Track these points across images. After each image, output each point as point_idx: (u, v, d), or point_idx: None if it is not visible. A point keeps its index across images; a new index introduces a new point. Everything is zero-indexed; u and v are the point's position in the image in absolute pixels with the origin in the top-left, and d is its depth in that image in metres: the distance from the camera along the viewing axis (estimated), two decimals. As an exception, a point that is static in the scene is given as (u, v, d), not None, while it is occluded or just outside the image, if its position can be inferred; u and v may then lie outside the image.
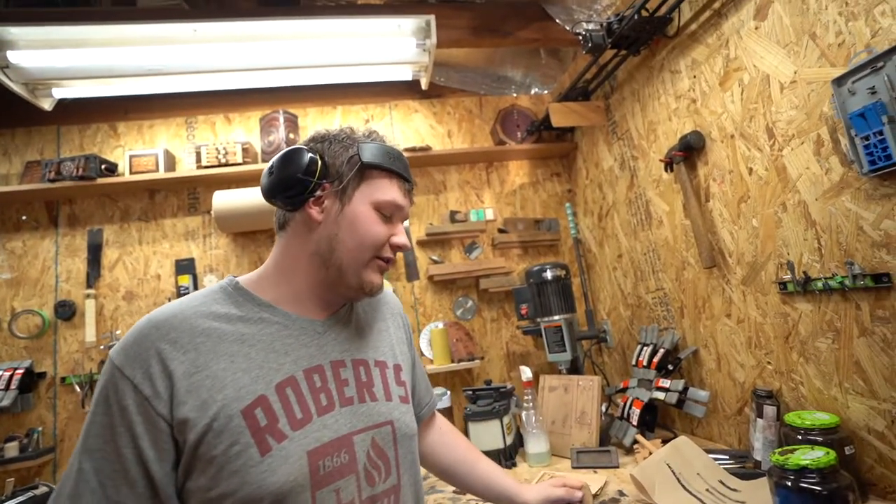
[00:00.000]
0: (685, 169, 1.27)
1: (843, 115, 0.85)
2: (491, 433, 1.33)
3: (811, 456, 0.68)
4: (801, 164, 0.96)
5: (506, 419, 1.35)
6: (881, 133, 0.78)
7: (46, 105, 1.56)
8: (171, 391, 0.49)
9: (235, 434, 0.49)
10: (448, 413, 1.72)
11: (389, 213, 0.62)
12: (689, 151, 1.26)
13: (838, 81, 0.85)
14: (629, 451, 1.27)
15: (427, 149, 1.90)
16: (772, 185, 1.03)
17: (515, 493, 0.82)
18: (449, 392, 1.70)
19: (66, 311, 1.67)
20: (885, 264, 0.82)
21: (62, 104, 1.63)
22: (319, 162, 0.60)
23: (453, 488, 1.11)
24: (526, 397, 1.35)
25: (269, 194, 0.61)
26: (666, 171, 1.38)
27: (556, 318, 1.56)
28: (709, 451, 1.05)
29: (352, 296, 0.63)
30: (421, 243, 1.92)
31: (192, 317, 0.54)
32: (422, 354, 1.82)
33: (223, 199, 1.70)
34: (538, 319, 1.62)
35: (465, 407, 1.42)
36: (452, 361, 1.75)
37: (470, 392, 1.46)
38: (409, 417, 0.65)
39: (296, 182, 0.59)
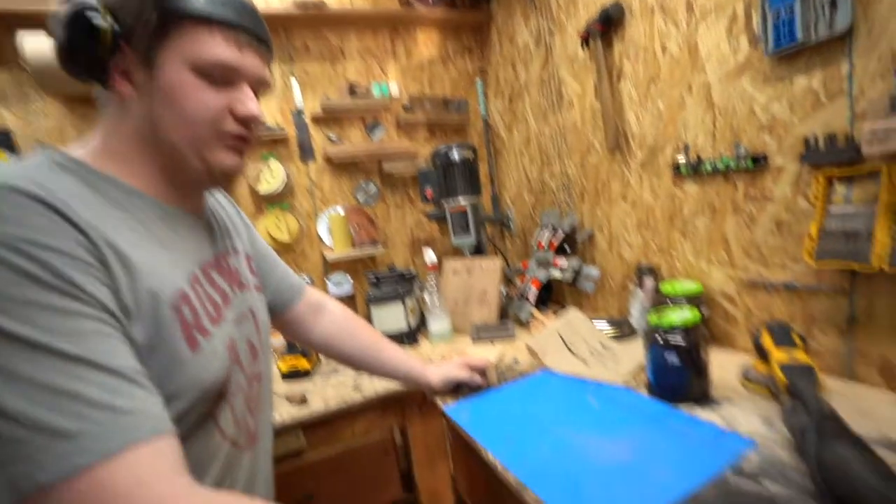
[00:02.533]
0: (601, 45, 1.24)
1: (760, -12, 0.87)
2: (394, 316, 1.35)
3: (682, 316, 0.78)
4: (713, 43, 0.97)
5: (409, 302, 1.38)
6: (792, 10, 0.79)
7: None
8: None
9: (164, 328, 0.43)
10: (351, 301, 1.71)
11: (221, 76, 0.48)
12: (608, 25, 1.21)
13: (762, -51, 0.86)
14: (525, 325, 1.37)
15: (321, 5, 1.63)
16: (682, 65, 1.04)
17: (419, 373, 0.85)
18: (351, 280, 1.70)
19: None
20: (766, 146, 0.88)
21: None
22: (109, 18, 0.45)
23: (355, 372, 1.08)
24: (429, 281, 1.37)
25: (61, 66, 0.46)
26: (582, 47, 1.34)
27: (462, 201, 1.55)
28: (593, 321, 1.17)
29: (204, 181, 0.52)
30: (316, 120, 1.73)
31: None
32: (321, 241, 1.74)
33: (37, 46, 1.24)
34: (443, 202, 1.61)
35: (367, 292, 1.42)
36: (354, 247, 1.71)
37: (373, 277, 1.45)
38: (264, 306, 0.65)
39: (77, 50, 0.45)
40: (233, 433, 0.51)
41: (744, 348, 0.98)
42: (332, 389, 1.09)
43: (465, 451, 0.94)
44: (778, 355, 0.70)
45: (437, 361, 0.94)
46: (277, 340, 1.45)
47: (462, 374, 0.87)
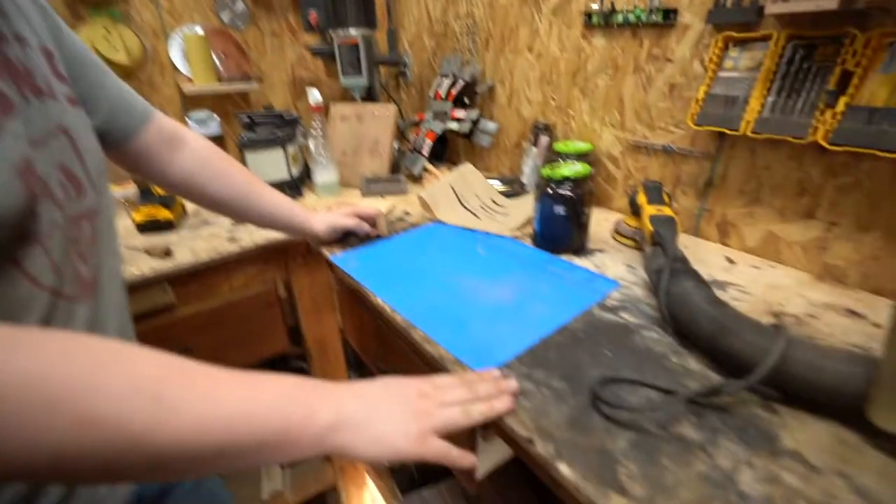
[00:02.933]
0: None
1: None
2: (273, 163, 1.20)
3: (573, 168, 0.79)
4: None
5: (290, 149, 1.22)
6: None
7: None
8: None
9: None
10: (219, 143, 1.46)
11: None
12: None
13: None
14: (418, 179, 1.32)
15: None
16: None
17: (303, 221, 0.76)
18: (218, 118, 1.42)
19: None
20: (679, 0, 0.85)
21: None
22: None
23: (231, 220, 1.01)
24: (314, 125, 1.20)
25: None
26: None
27: (353, 32, 1.34)
28: (487, 178, 1.16)
29: None
30: None
31: None
32: (175, 69, 1.40)
33: None
34: (331, 33, 1.37)
35: (239, 135, 1.22)
36: (220, 81, 1.41)
37: (246, 118, 1.24)
38: (88, 128, 0.49)
39: None
40: (51, 281, 0.42)
41: (617, 208, 1.05)
42: (202, 241, 0.98)
43: (352, 300, 0.93)
44: (649, 209, 0.75)
45: (322, 211, 0.85)
46: (131, 189, 1.23)
47: (349, 222, 0.81)
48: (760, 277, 0.70)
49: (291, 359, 1.39)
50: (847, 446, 0.37)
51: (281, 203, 0.76)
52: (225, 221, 1.09)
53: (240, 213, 0.73)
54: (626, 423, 0.38)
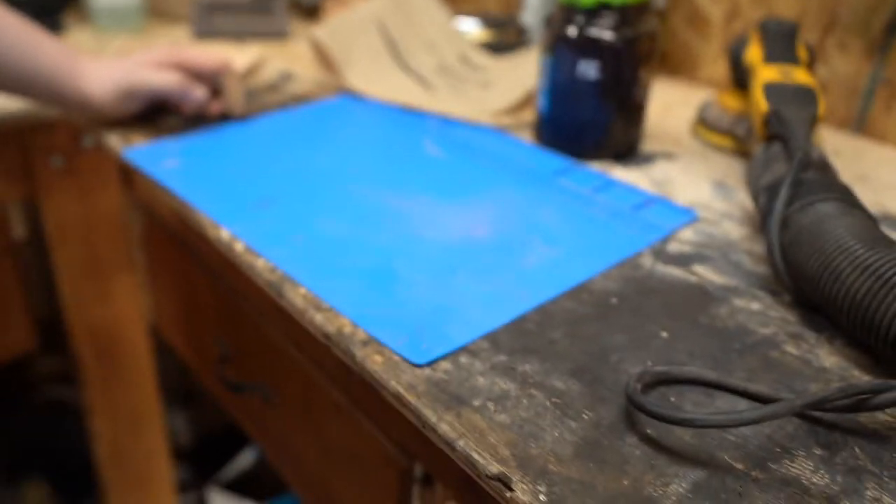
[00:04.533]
0: None
1: None
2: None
3: (618, -10, 0.62)
4: None
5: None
6: None
7: None
8: None
9: None
10: None
11: None
12: None
13: None
14: (312, 11, 0.99)
15: None
16: None
17: (58, 72, 0.60)
18: None
19: None
20: None
21: None
22: None
23: None
24: None
25: None
26: None
27: None
28: (455, 15, 0.88)
29: None
30: None
31: None
32: None
33: None
34: None
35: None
36: None
37: None
38: None
39: None
40: None
41: (707, 79, 0.82)
42: None
43: (170, 248, 0.72)
44: (766, 72, 0.63)
45: (107, 59, 0.66)
46: None
47: (162, 80, 0.63)
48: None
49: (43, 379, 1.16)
50: None
51: (21, 38, 0.59)
52: None
53: None
54: (690, 452, 0.36)
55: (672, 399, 0.40)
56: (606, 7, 0.59)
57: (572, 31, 0.60)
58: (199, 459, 1.33)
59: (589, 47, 0.60)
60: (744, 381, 0.41)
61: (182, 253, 0.72)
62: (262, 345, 0.63)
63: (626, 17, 0.61)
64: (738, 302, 0.49)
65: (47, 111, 0.77)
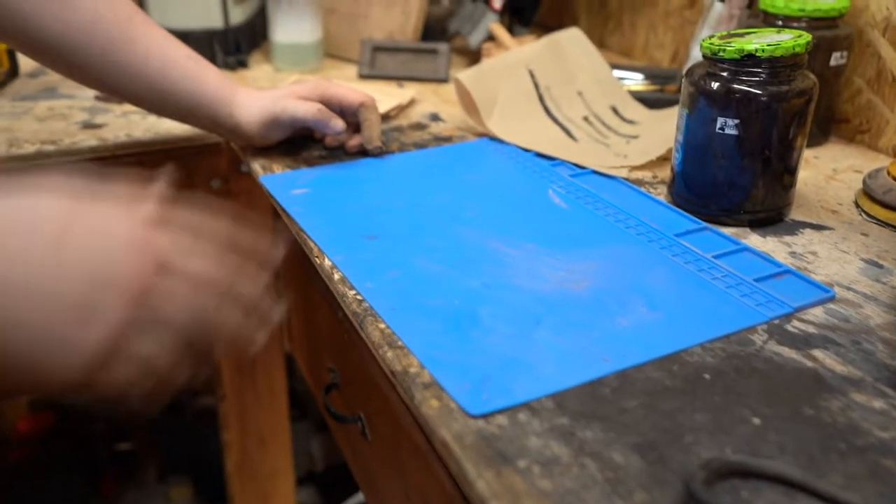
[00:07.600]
0: None
1: None
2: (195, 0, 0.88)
3: (765, 40, 0.50)
4: None
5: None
6: None
7: None
8: None
9: None
10: None
11: None
12: None
13: None
14: (475, 56, 0.98)
15: None
16: None
17: (215, 98, 0.63)
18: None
19: None
20: None
21: None
22: None
23: (96, 93, 0.82)
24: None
25: None
26: None
27: None
28: (615, 67, 0.83)
29: None
30: None
31: None
32: None
33: None
34: None
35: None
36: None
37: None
38: None
39: None
40: None
41: (886, 148, 0.71)
42: (34, 122, 0.75)
43: (298, 269, 0.76)
44: None
45: (268, 90, 0.68)
46: None
47: (304, 109, 0.64)
48: None
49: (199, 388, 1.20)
50: None
51: (176, 60, 0.60)
52: (87, 92, 0.85)
53: (82, 71, 0.59)
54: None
55: (744, 495, 0.35)
56: (752, 58, 0.55)
57: (713, 83, 0.57)
58: (327, 486, 1.36)
59: (729, 101, 0.55)
60: (839, 487, 0.36)
61: (306, 276, 0.74)
62: (363, 376, 0.63)
63: (775, 72, 0.56)
64: (858, 396, 0.43)
65: (208, 135, 0.79)
